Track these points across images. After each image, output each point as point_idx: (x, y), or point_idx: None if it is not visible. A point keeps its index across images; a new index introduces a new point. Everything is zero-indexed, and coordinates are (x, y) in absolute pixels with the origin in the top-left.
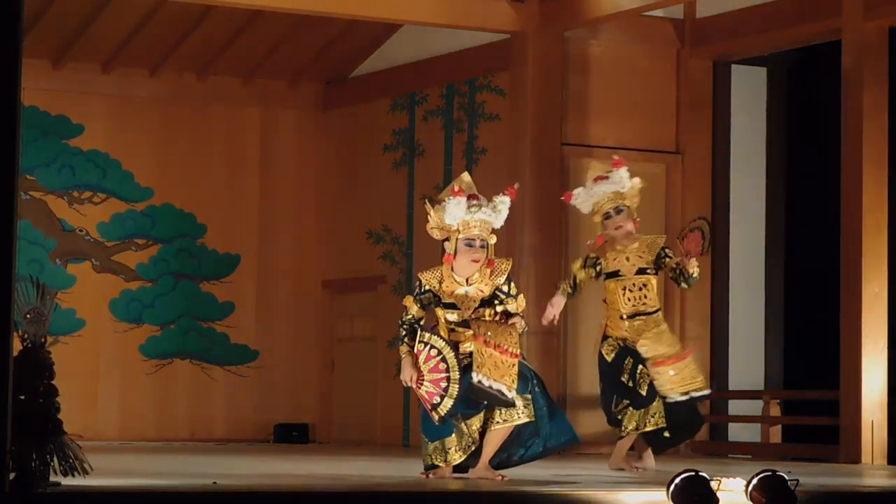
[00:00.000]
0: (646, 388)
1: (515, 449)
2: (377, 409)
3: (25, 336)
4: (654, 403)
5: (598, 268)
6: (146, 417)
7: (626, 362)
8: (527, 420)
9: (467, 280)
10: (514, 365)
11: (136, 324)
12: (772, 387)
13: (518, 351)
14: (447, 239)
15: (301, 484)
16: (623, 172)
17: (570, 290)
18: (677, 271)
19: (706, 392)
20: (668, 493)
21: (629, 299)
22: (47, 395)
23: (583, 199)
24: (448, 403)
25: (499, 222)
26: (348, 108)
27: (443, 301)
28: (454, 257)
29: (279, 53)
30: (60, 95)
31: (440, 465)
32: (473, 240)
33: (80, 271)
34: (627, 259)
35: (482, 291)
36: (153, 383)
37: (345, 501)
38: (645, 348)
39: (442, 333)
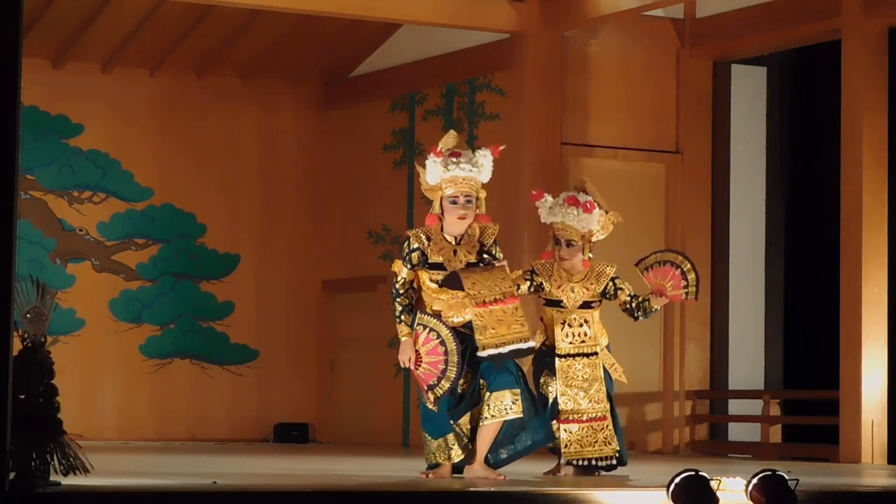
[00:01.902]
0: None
1: (505, 446)
2: (377, 409)
3: (25, 336)
4: None
5: (533, 283)
6: (146, 417)
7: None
8: (515, 416)
9: (457, 240)
10: (517, 308)
11: (136, 323)
12: (772, 387)
13: (516, 292)
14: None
15: (301, 484)
16: (591, 216)
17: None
18: (632, 305)
19: (609, 457)
20: (668, 493)
21: (567, 335)
22: (47, 395)
23: (546, 210)
24: (445, 385)
25: (484, 177)
26: (348, 108)
27: (429, 260)
28: (441, 217)
29: (279, 53)
30: (60, 95)
31: (443, 462)
32: (457, 196)
33: (80, 271)
34: (573, 290)
35: (469, 254)
36: (153, 383)
37: (345, 501)
38: (563, 399)
39: (428, 309)
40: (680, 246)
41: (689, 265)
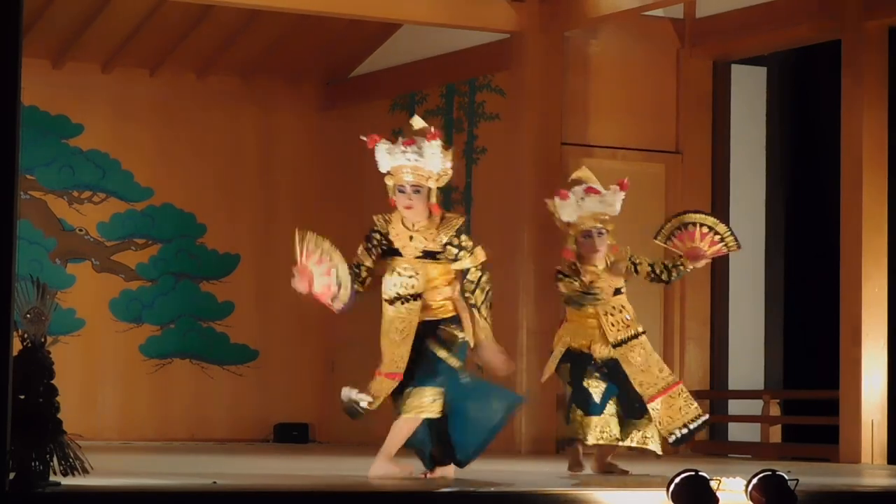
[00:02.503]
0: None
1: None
2: (377, 409)
3: (25, 336)
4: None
5: (570, 279)
6: (146, 417)
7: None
8: (431, 416)
9: (414, 226)
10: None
11: (136, 324)
12: (772, 387)
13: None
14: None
15: (301, 484)
16: (620, 196)
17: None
18: (657, 270)
19: (705, 418)
20: (667, 493)
21: (613, 325)
22: (47, 395)
23: (570, 207)
24: (345, 294)
25: (432, 165)
26: (348, 108)
27: (392, 246)
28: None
29: (279, 53)
30: (60, 95)
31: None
32: (403, 186)
33: (80, 271)
34: (603, 281)
35: (426, 240)
36: (153, 383)
37: (345, 501)
38: (637, 381)
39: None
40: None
41: (712, 219)
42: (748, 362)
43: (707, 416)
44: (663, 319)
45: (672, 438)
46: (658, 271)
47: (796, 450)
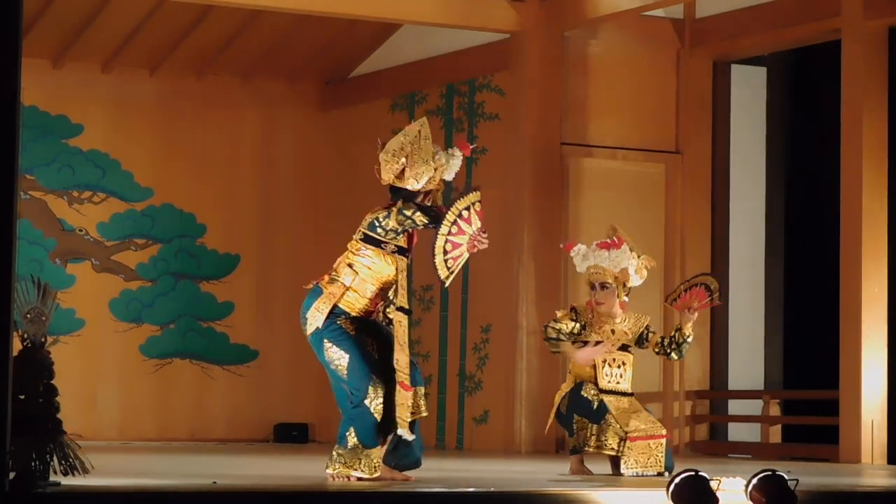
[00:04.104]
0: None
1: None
2: None
3: (25, 336)
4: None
5: (580, 325)
6: (146, 417)
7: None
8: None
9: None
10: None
11: (136, 324)
12: (772, 387)
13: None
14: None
15: (301, 484)
16: (621, 253)
17: (558, 338)
18: (664, 343)
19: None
20: (667, 493)
21: (606, 374)
22: (47, 395)
23: (580, 257)
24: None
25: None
26: (348, 108)
27: (399, 241)
28: None
29: (279, 53)
30: (60, 95)
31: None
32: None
33: (80, 271)
34: (613, 332)
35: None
36: (153, 383)
37: (345, 501)
38: (623, 421)
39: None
40: (680, 246)
41: (709, 278)
42: (748, 362)
43: (666, 475)
44: (663, 320)
45: (628, 472)
46: (665, 344)
47: (796, 450)
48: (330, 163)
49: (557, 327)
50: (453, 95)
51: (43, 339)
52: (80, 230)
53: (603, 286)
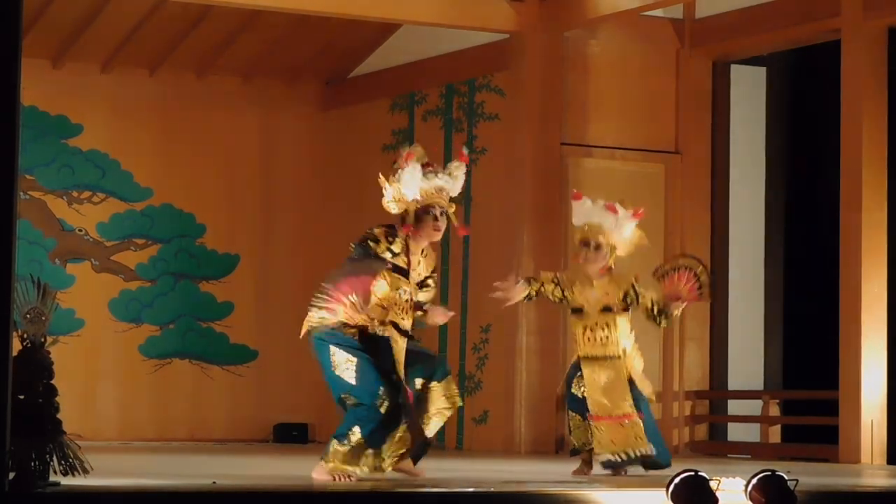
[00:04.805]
0: None
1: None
2: None
3: (25, 336)
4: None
5: (564, 292)
6: (145, 417)
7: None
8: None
9: (422, 251)
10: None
11: (136, 324)
12: (771, 387)
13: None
14: (402, 214)
15: (301, 484)
16: (629, 223)
17: (531, 294)
18: (654, 311)
19: (643, 452)
20: (667, 493)
21: (589, 339)
22: (47, 395)
23: (584, 210)
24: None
25: (457, 189)
26: (348, 108)
27: (393, 263)
28: (412, 228)
29: (279, 53)
30: (60, 95)
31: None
32: (432, 207)
33: (80, 271)
34: (592, 295)
35: (427, 269)
36: (152, 383)
37: (345, 501)
38: (592, 399)
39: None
40: (679, 246)
41: (700, 267)
42: (748, 362)
43: (651, 455)
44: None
45: (603, 459)
46: (655, 311)
47: (796, 450)
48: (330, 163)
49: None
50: (453, 95)
51: (43, 339)
52: (80, 230)
53: (597, 247)
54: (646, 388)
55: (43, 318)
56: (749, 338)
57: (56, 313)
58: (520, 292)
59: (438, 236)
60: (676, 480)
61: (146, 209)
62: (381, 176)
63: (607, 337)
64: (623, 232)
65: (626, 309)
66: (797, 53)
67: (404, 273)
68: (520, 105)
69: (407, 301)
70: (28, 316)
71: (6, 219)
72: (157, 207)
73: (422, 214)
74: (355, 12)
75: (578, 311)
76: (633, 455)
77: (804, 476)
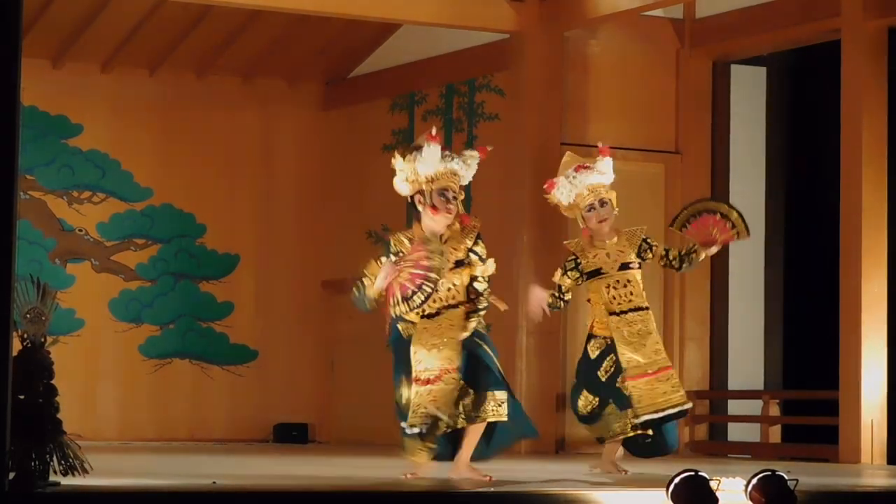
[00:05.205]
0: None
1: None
2: (377, 409)
3: (25, 336)
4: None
5: (579, 268)
6: (145, 417)
7: (607, 360)
8: (500, 419)
9: (441, 238)
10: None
11: (136, 324)
12: (771, 387)
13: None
14: (413, 196)
15: (301, 484)
16: (608, 162)
17: (559, 304)
18: (670, 256)
19: (684, 408)
20: (667, 493)
21: (614, 297)
22: (47, 395)
23: (565, 189)
24: (417, 300)
25: (468, 178)
26: (348, 108)
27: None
28: (426, 216)
29: (279, 53)
30: (60, 95)
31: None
32: (447, 190)
33: (80, 271)
34: (608, 255)
35: (455, 251)
36: (152, 383)
37: (345, 501)
38: (625, 357)
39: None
40: (680, 245)
41: (725, 206)
42: (748, 362)
43: (688, 407)
44: (663, 319)
45: (641, 419)
46: (671, 257)
47: (796, 450)
48: (330, 163)
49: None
50: (453, 95)
51: (43, 339)
52: (80, 230)
53: (602, 203)
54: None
55: (43, 318)
56: (749, 338)
57: (56, 313)
58: (544, 304)
59: (450, 219)
60: (676, 480)
61: (146, 209)
62: (395, 153)
63: (631, 292)
64: (609, 174)
65: (639, 266)
66: (797, 53)
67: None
68: (520, 105)
69: (448, 290)
70: (28, 316)
71: (6, 219)
72: (157, 207)
73: (436, 196)
74: (355, 12)
75: (597, 272)
76: (668, 412)
77: (804, 476)
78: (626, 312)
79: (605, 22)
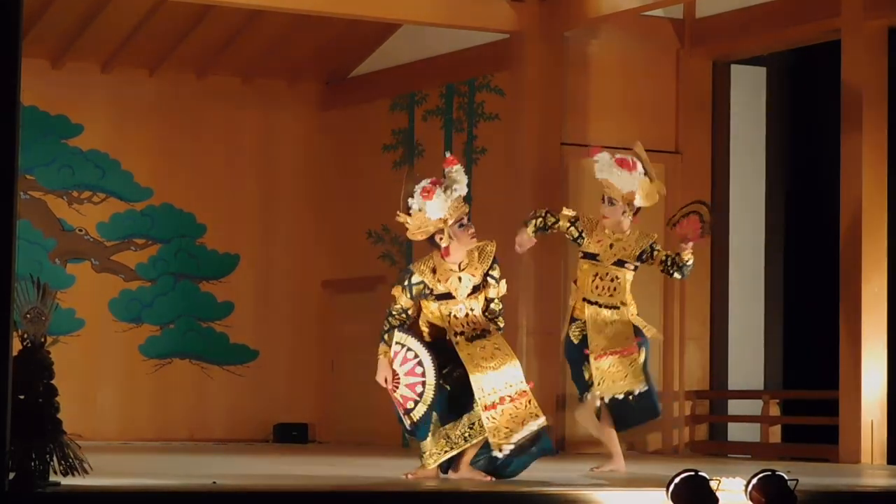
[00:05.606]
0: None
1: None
2: (377, 409)
3: (25, 336)
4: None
5: (580, 231)
6: (145, 417)
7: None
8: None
9: (460, 266)
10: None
11: (136, 324)
12: (771, 387)
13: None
14: (432, 236)
15: (301, 484)
16: (630, 176)
17: (540, 226)
18: (668, 262)
19: (641, 389)
20: (667, 493)
21: (597, 286)
22: (47, 395)
23: (604, 168)
24: (421, 410)
25: (465, 187)
26: (348, 108)
27: (435, 292)
28: (450, 246)
29: (279, 53)
30: (60, 95)
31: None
32: (462, 218)
33: (80, 271)
34: (611, 246)
35: (474, 276)
36: (153, 383)
37: (345, 501)
38: (591, 341)
39: (423, 328)
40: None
41: (705, 208)
42: (748, 362)
43: (646, 389)
44: (663, 319)
45: (607, 398)
46: (669, 263)
47: (796, 450)
48: (330, 163)
49: (545, 219)
50: (453, 95)
51: (43, 339)
52: (80, 230)
53: (610, 202)
54: (648, 332)
55: (43, 318)
56: (749, 338)
57: (56, 313)
58: (529, 235)
59: (473, 244)
60: (677, 480)
61: (146, 209)
62: (399, 215)
63: (615, 288)
64: (628, 186)
65: (635, 269)
66: (797, 53)
67: (448, 297)
68: (520, 105)
69: (466, 315)
70: (28, 316)
71: (6, 219)
72: (157, 207)
73: (455, 229)
74: (355, 12)
75: (592, 256)
76: (631, 395)
77: (804, 476)
78: (600, 305)
79: (605, 22)
